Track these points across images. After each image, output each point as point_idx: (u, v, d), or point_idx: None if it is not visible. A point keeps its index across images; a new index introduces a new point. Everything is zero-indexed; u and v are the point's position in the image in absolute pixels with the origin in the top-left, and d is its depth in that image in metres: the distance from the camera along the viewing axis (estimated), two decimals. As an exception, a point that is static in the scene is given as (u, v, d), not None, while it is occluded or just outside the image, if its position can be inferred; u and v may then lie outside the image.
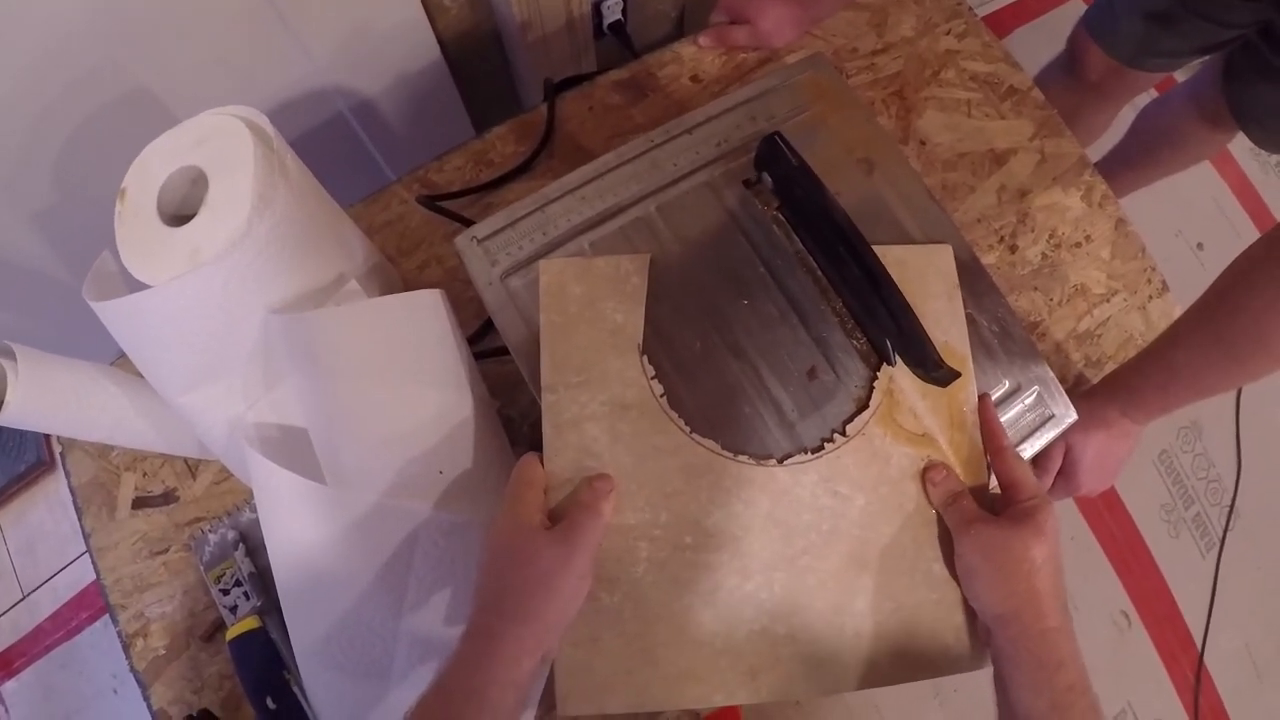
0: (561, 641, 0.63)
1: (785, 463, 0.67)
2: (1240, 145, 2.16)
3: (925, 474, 0.68)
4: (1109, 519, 1.92)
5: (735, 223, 0.74)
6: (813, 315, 0.71)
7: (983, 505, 0.66)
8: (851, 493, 0.67)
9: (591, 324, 0.69)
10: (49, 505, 1.95)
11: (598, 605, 0.64)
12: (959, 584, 0.66)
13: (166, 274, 0.61)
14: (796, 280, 0.72)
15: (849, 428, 0.68)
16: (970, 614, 0.66)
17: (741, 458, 0.67)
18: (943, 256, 0.74)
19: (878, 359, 0.70)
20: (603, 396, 0.67)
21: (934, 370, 0.66)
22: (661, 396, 0.67)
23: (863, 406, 0.69)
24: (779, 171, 0.72)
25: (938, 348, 0.67)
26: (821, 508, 0.67)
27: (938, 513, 0.67)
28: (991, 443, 0.69)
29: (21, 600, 1.93)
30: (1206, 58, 1.30)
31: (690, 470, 0.66)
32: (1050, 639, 0.60)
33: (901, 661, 0.66)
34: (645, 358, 0.68)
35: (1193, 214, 2.18)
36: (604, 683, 0.64)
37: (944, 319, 0.72)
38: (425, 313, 0.74)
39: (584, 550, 0.61)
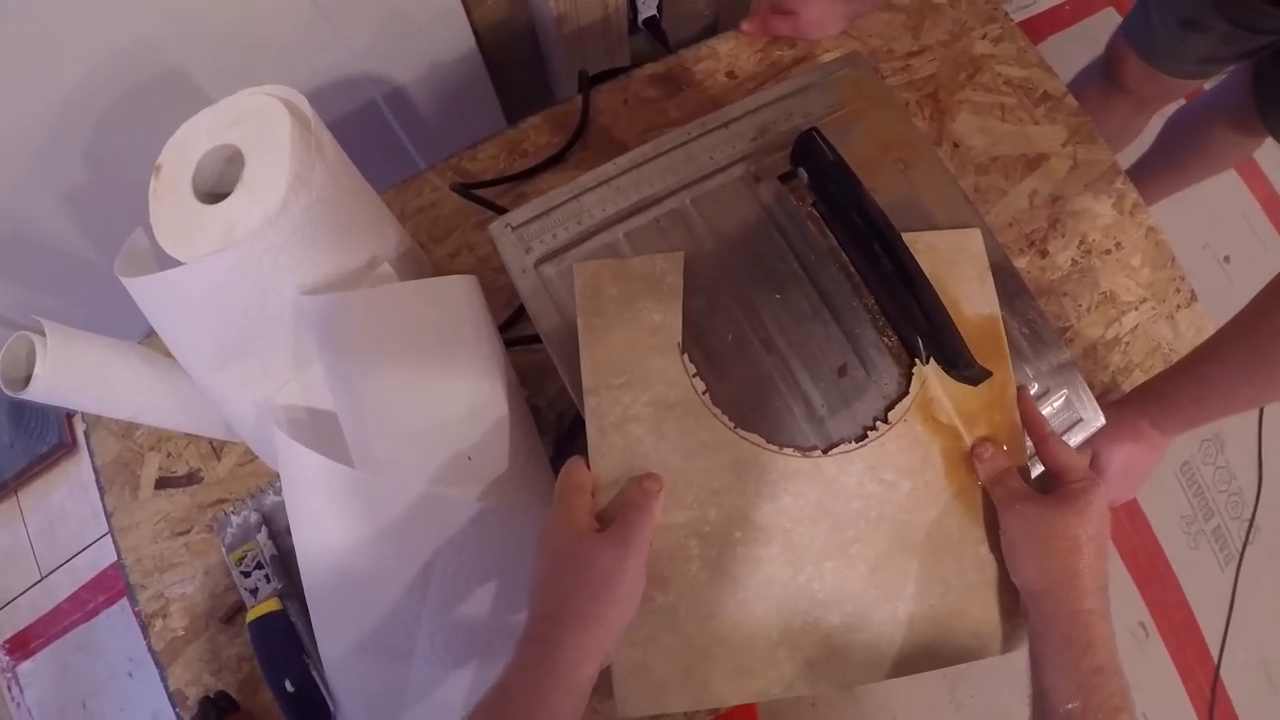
0: (618, 643, 0.63)
1: (830, 453, 0.67)
2: (1269, 159, 2.17)
3: (974, 450, 0.68)
4: (1129, 529, 1.91)
5: (770, 217, 0.74)
6: (845, 311, 0.71)
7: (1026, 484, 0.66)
8: (897, 479, 0.67)
9: (630, 324, 0.69)
10: (69, 487, 1.96)
11: (652, 605, 0.64)
12: (1000, 560, 0.67)
13: (200, 251, 0.61)
14: (829, 276, 0.72)
15: (891, 415, 0.68)
16: (1016, 594, 0.66)
17: (787, 450, 0.66)
18: (973, 240, 0.74)
19: (909, 357, 0.70)
20: (645, 397, 0.67)
21: (965, 369, 0.66)
22: (704, 394, 0.67)
23: (895, 402, 0.69)
24: (815, 167, 0.72)
25: (972, 323, 0.69)
26: (869, 495, 0.67)
27: (983, 492, 0.68)
28: (1034, 432, 0.69)
29: (40, 581, 1.94)
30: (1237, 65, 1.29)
31: (737, 465, 0.66)
32: (1083, 620, 0.59)
33: (953, 643, 0.67)
34: (685, 356, 0.68)
35: (1220, 227, 2.16)
36: (663, 682, 0.64)
37: (977, 302, 0.72)
38: (458, 298, 0.74)
39: (638, 550, 0.60)
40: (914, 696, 1.77)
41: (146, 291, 0.64)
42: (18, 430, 1.96)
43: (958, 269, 0.73)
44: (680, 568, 0.65)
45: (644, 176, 0.75)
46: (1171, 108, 1.64)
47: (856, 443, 0.67)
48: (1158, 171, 1.72)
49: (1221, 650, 1.83)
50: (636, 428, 0.66)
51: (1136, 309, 1.00)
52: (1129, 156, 1.73)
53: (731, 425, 0.66)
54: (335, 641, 0.74)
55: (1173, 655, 1.82)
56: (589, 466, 0.65)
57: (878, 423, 0.68)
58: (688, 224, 0.74)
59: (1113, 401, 0.94)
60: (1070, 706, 0.58)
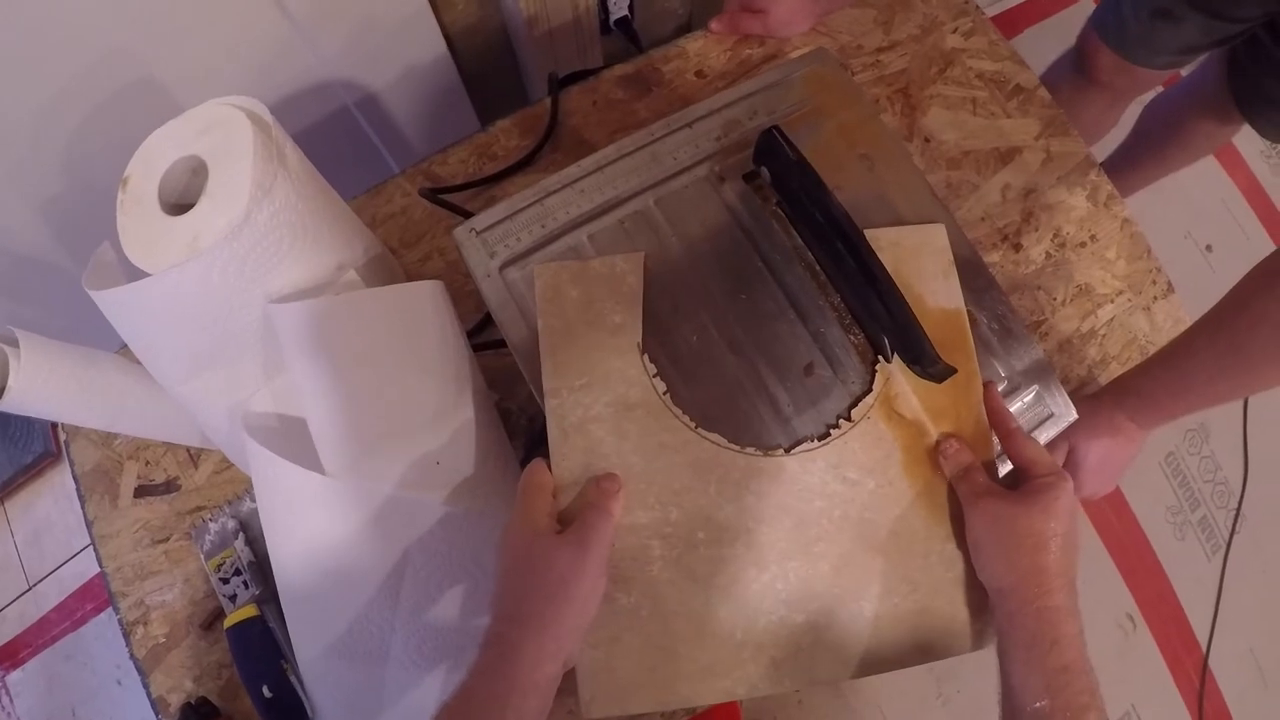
0: (582, 644, 0.63)
1: (793, 451, 0.67)
2: (1249, 147, 2.17)
3: (938, 446, 0.68)
4: (1114, 521, 1.91)
5: (734, 217, 0.74)
6: (811, 311, 0.71)
7: (992, 480, 0.66)
8: (861, 477, 0.67)
9: (590, 326, 0.69)
10: (55, 497, 1.97)
11: (615, 606, 0.64)
12: (967, 558, 0.67)
13: (166, 262, 0.61)
14: (794, 275, 0.72)
15: (854, 413, 0.68)
16: (984, 590, 0.66)
17: (749, 449, 0.67)
18: (936, 235, 0.74)
19: (874, 355, 0.70)
20: (606, 398, 0.67)
21: (931, 366, 0.66)
22: (665, 394, 0.67)
23: (860, 400, 0.69)
24: (777, 166, 0.72)
25: (937, 319, 0.69)
26: (832, 494, 0.67)
27: (949, 489, 0.68)
28: (1000, 428, 0.69)
29: (27, 591, 1.94)
30: (1211, 53, 1.30)
31: (698, 465, 0.66)
32: (1048, 617, 0.59)
33: (922, 641, 0.67)
34: (646, 356, 0.68)
35: (1201, 216, 2.17)
36: (627, 683, 0.64)
37: (941, 297, 0.72)
38: (424, 303, 0.74)
39: (597, 550, 0.61)
40: (900, 692, 1.78)
41: (114, 304, 0.64)
42: (2, 440, 1.96)
43: (921, 265, 0.73)
44: (643, 568, 0.65)
45: (608, 178, 0.75)
46: (1149, 95, 1.64)
47: (819, 441, 0.67)
48: (1136, 161, 1.73)
49: (1210, 641, 1.84)
50: (597, 428, 0.66)
51: (1113, 301, 1.00)
52: (1105, 146, 1.74)
53: (692, 425, 0.67)
54: (311, 646, 0.75)
55: (1160, 647, 1.83)
56: (550, 468, 0.66)
57: (841, 421, 0.68)
58: (652, 225, 0.74)
59: (1088, 395, 0.94)
60: (1038, 705, 0.58)
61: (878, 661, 0.66)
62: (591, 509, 0.63)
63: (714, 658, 0.65)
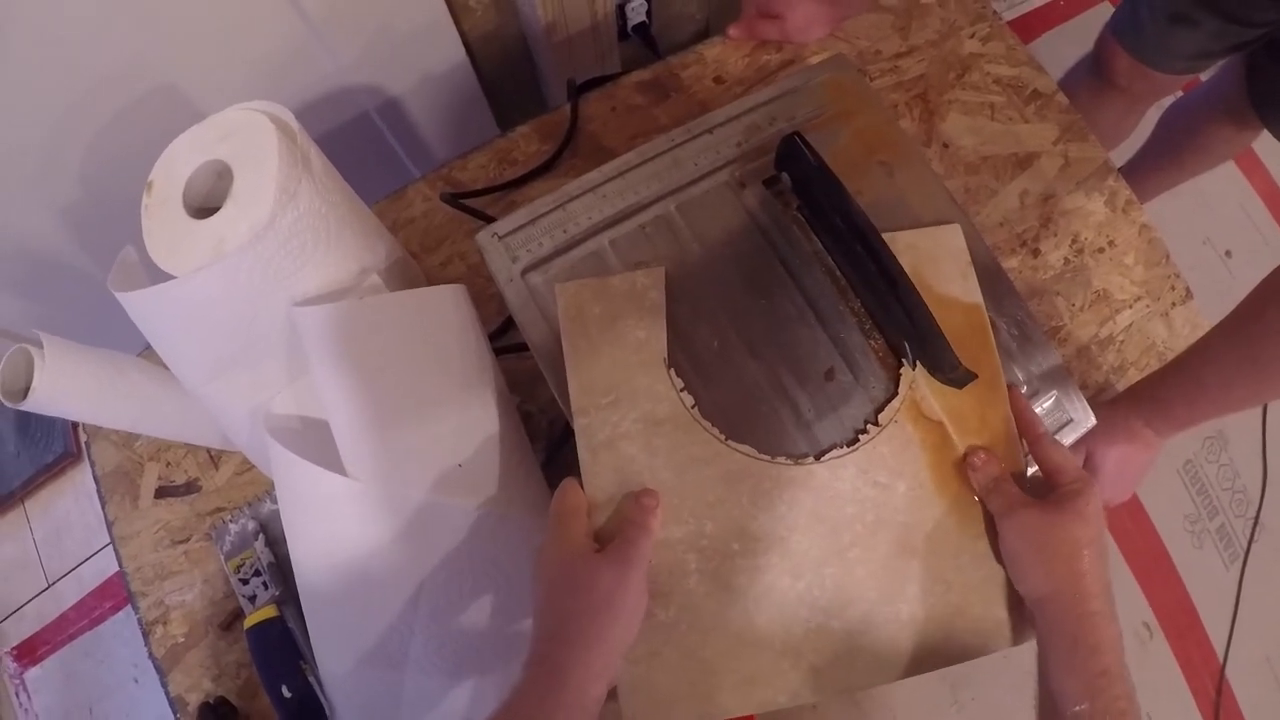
0: (623, 660, 0.63)
1: (823, 459, 0.67)
2: (1269, 151, 2.15)
3: (966, 459, 0.67)
4: (1132, 528, 1.89)
5: (755, 222, 0.75)
6: (831, 315, 0.71)
7: (1021, 488, 0.66)
8: (891, 480, 0.67)
9: (614, 343, 0.69)
10: (75, 496, 1.98)
11: (654, 621, 0.64)
12: (1003, 566, 0.66)
13: (191, 265, 0.62)
14: (815, 280, 0.72)
15: (881, 416, 0.68)
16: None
17: (780, 459, 0.67)
18: (953, 237, 0.74)
19: (895, 360, 0.70)
20: (634, 414, 0.67)
21: (951, 372, 0.66)
22: (693, 407, 0.67)
23: (883, 405, 0.69)
24: (798, 171, 0.72)
25: (957, 319, 0.69)
26: (864, 499, 0.67)
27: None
28: (1028, 432, 0.68)
29: (47, 589, 1.96)
30: (1230, 58, 1.29)
31: (730, 477, 0.66)
32: (1089, 622, 0.59)
33: (958, 641, 0.66)
34: (672, 370, 0.68)
35: (1220, 221, 2.15)
36: (668, 697, 0.64)
37: (961, 297, 0.72)
38: (447, 307, 0.74)
39: (639, 567, 0.61)
40: (916, 699, 1.76)
41: (140, 305, 0.65)
42: (24, 440, 1.98)
43: (940, 266, 0.73)
44: (680, 582, 0.65)
45: (629, 184, 0.75)
46: (1167, 100, 1.64)
47: (847, 447, 0.67)
48: (1154, 166, 1.72)
49: (1227, 650, 1.83)
50: (628, 445, 0.66)
51: (1130, 307, 1.00)
52: (1125, 151, 1.73)
53: (722, 437, 0.66)
54: (330, 649, 0.75)
55: (1177, 656, 1.81)
56: (582, 486, 0.65)
57: (868, 425, 0.68)
58: (673, 231, 0.74)
59: (1106, 401, 0.93)
60: (1078, 709, 0.57)
61: (916, 663, 0.66)
62: (631, 525, 0.63)
63: (754, 668, 0.65)
